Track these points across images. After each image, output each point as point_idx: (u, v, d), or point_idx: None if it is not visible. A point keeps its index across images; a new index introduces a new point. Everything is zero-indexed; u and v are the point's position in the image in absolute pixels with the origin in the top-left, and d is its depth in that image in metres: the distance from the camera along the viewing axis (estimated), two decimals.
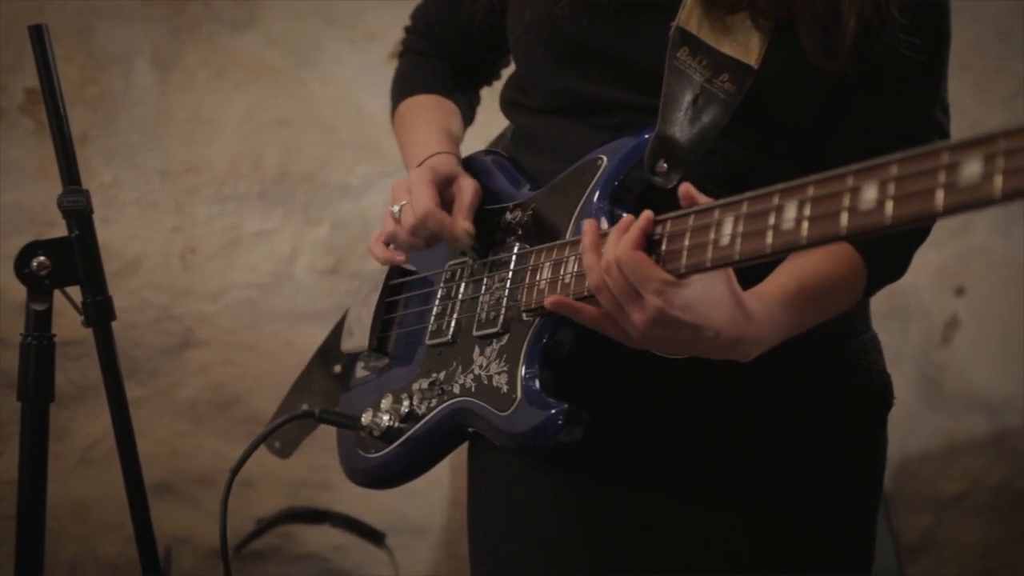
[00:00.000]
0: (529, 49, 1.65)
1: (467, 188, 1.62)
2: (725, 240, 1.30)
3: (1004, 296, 3.49)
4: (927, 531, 3.39)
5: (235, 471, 1.64)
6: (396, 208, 1.61)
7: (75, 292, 1.54)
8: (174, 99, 2.67)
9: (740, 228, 1.30)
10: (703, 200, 1.36)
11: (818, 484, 1.61)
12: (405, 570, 2.67)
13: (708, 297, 1.38)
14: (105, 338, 1.54)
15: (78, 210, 1.55)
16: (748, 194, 1.30)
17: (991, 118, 3.50)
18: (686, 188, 1.37)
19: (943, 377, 3.45)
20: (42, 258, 1.52)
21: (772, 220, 1.27)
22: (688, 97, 1.52)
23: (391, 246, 1.65)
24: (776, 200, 1.26)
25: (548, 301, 1.45)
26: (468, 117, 1.84)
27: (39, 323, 1.52)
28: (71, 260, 1.54)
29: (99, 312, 1.53)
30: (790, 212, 1.24)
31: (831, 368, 1.62)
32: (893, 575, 2.94)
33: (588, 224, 1.44)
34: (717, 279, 1.38)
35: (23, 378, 1.51)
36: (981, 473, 3.44)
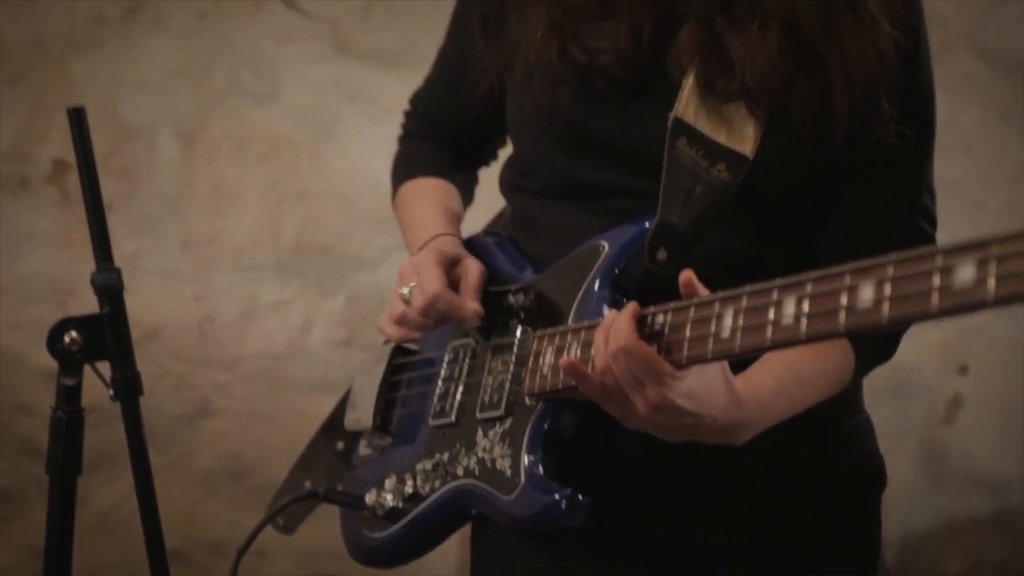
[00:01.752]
0: (529, 135, 1.67)
1: (472, 269, 1.62)
2: (726, 333, 1.32)
3: (1006, 376, 3.50)
4: None
5: (241, 551, 1.64)
6: (405, 290, 1.60)
7: (103, 366, 1.56)
8: (197, 170, 2.71)
9: (740, 322, 1.32)
10: (703, 291, 1.37)
11: (813, 565, 1.62)
12: None
13: (705, 385, 1.40)
14: (133, 413, 1.54)
15: (110, 287, 1.58)
16: (748, 288, 1.32)
17: (993, 199, 3.55)
18: (687, 277, 1.38)
19: (946, 455, 3.44)
20: (74, 334, 1.54)
21: (772, 315, 1.29)
22: (687, 186, 1.54)
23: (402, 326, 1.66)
24: (775, 295, 1.28)
25: (562, 361, 1.45)
26: (468, 198, 1.85)
27: (69, 398, 1.53)
28: (101, 336, 1.56)
29: (128, 388, 1.55)
30: (789, 308, 1.26)
31: (824, 450, 1.62)
32: None
33: (610, 316, 1.44)
34: (712, 366, 1.40)
35: (52, 451, 1.51)
36: (983, 552, 3.43)
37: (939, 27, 3.40)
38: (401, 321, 1.62)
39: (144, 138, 2.67)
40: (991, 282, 1.10)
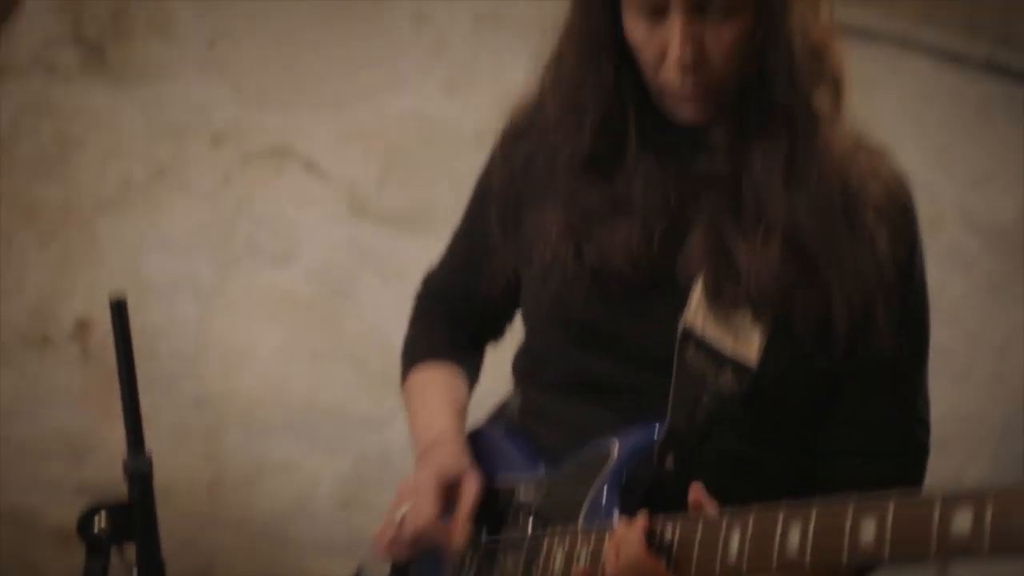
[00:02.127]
0: (545, 329, 1.67)
1: (468, 492, 1.61)
2: (732, 557, 1.33)
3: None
4: None
5: None
6: (400, 513, 1.60)
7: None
8: (213, 330, 2.75)
9: (747, 546, 1.33)
10: (712, 509, 1.38)
11: None
12: None
13: None
14: None
15: (142, 475, 1.62)
16: (754, 511, 1.33)
17: (981, 368, 3.60)
18: (696, 497, 1.40)
19: None
20: (103, 521, 1.58)
21: (777, 543, 1.30)
22: (695, 393, 1.54)
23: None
24: (781, 524, 1.29)
25: (576, 571, 1.47)
26: (475, 378, 1.84)
27: None
28: (130, 520, 1.60)
29: (154, 571, 1.59)
30: (794, 538, 1.28)
31: None
32: None
33: (621, 528, 1.44)
34: None
35: None
36: None
37: (930, 199, 3.44)
38: (392, 546, 1.62)
39: (165, 297, 2.72)
40: (986, 536, 1.14)
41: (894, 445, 1.64)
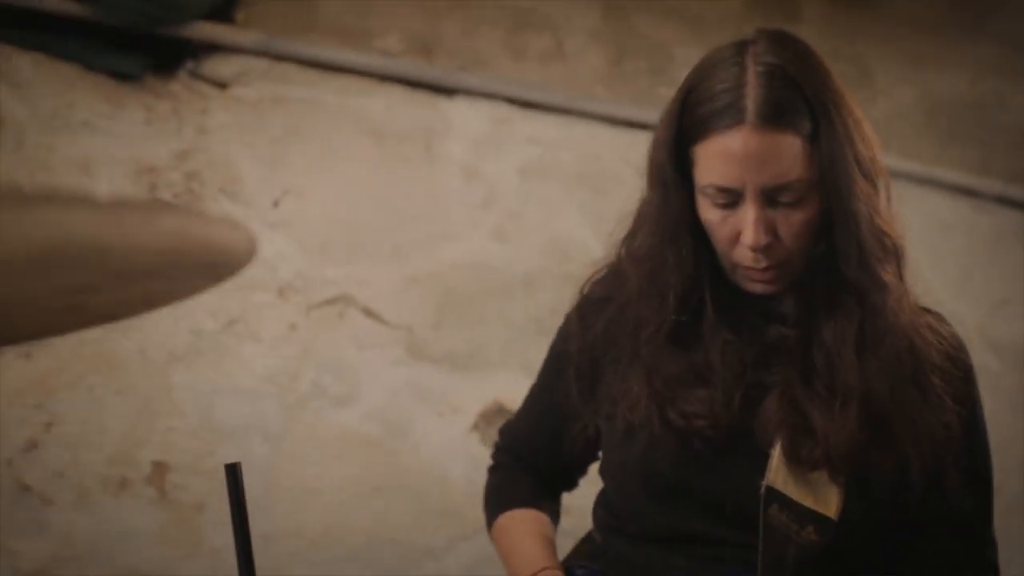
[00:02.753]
0: (629, 487, 1.70)
1: None
2: None
3: None
4: None
5: None
6: None
7: None
8: (281, 469, 2.81)
9: None
10: None
11: None
12: None
13: None
14: None
15: None
16: None
17: (1009, 484, 3.47)
18: None
19: None
20: None
21: None
22: (780, 548, 1.58)
23: None
24: None
25: None
26: (556, 523, 1.87)
27: None
28: None
29: None
30: None
31: None
32: None
33: None
34: None
35: None
36: None
37: (954, 321, 3.52)
38: None
39: (236, 440, 2.78)
40: None
41: None
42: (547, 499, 1.90)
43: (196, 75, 2.79)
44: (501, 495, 1.91)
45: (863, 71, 3.55)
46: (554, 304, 1.85)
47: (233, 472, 1.70)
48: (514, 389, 2.10)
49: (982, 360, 3.53)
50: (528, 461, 1.91)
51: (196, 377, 2.76)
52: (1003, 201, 3.67)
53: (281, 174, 2.85)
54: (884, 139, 3.49)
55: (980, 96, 3.73)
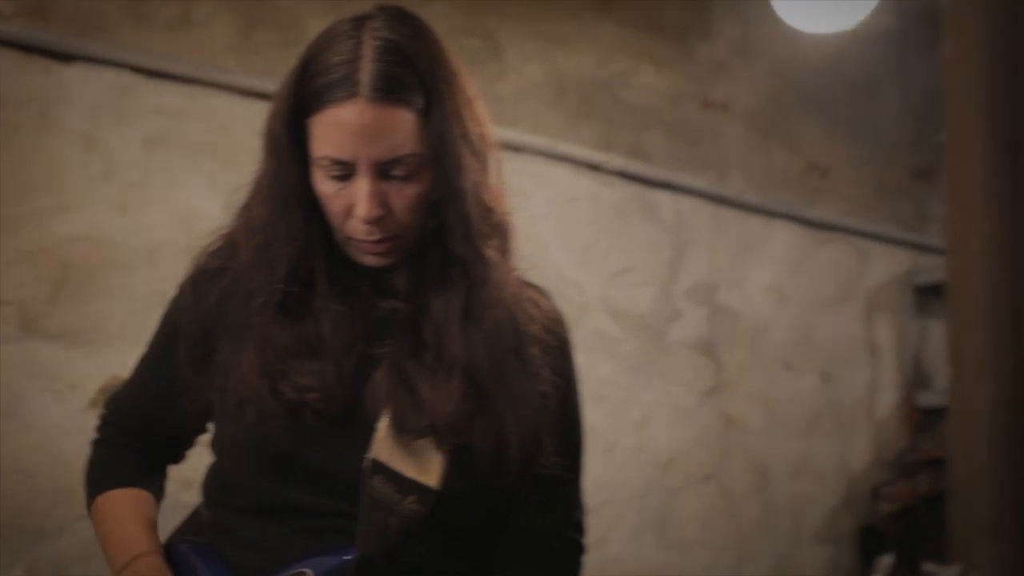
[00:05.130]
0: (239, 461, 1.65)
1: None
2: None
3: None
4: None
5: None
6: None
7: None
8: None
9: None
10: None
11: None
12: None
13: None
14: None
15: None
16: None
17: (624, 441, 3.81)
18: None
19: None
20: None
21: None
22: (382, 518, 1.55)
23: None
24: None
25: None
26: (160, 496, 1.80)
27: None
28: None
29: None
30: None
31: None
32: None
33: None
34: None
35: None
36: None
37: (577, 292, 3.72)
38: None
39: None
40: None
41: (555, 548, 1.70)
42: (151, 475, 1.80)
43: None
44: (103, 473, 1.78)
45: (494, 47, 3.58)
46: (178, 277, 1.73)
47: None
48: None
49: (603, 325, 3.67)
50: (134, 435, 1.79)
51: None
52: (625, 175, 3.75)
53: None
54: (513, 115, 3.51)
55: (605, 75, 3.77)
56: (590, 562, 3.48)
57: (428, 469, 1.58)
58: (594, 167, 3.68)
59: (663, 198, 3.82)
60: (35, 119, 2.82)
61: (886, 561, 3.68)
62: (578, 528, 1.73)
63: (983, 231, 1.33)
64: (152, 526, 1.72)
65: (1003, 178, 1.33)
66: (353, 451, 1.57)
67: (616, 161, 3.72)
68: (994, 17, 1.32)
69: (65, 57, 2.86)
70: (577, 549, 1.73)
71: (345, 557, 1.54)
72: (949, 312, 1.34)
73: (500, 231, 1.63)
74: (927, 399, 4.32)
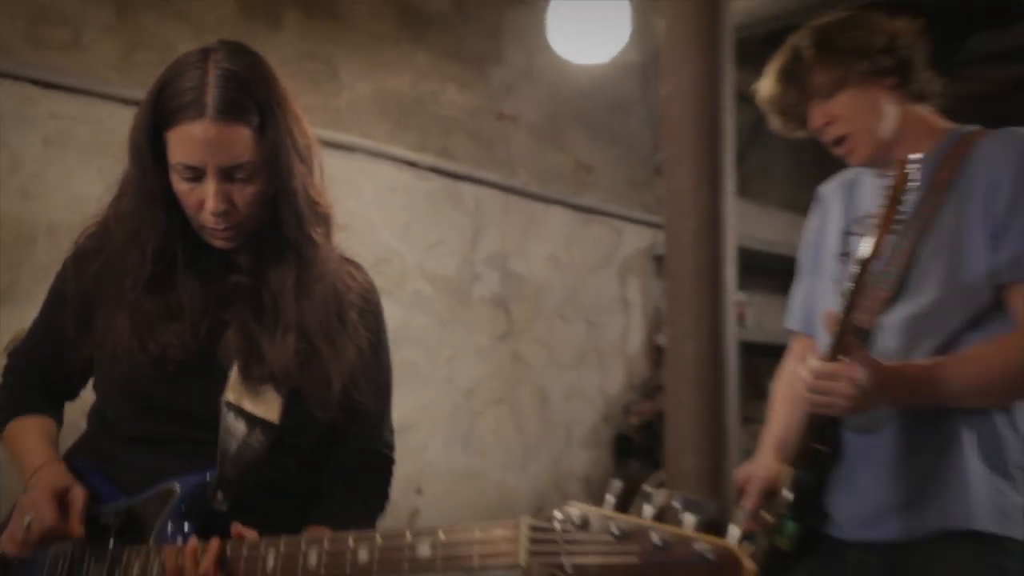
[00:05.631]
0: (116, 401, 1.64)
1: (78, 499, 1.59)
2: (269, 569, 1.39)
3: (449, 492, 3.70)
4: None
5: None
6: (27, 519, 1.56)
7: None
8: None
9: (279, 562, 1.37)
10: (249, 534, 1.45)
11: None
12: None
13: None
14: None
15: None
16: (283, 538, 1.38)
17: (437, 373, 3.75)
18: (235, 529, 1.46)
19: None
20: None
21: (300, 561, 1.35)
22: (235, 447, 1.57)
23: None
24: (303, 544, 1.35)
25: None
26: (59, 422, 1.79)
27: None
28: None
29: None
30: (311, 557, 1.33)
31: None
32: None
33: (185, 549, 1.45)
34: None
35: None
36: None
37: (399, 260, 3.67)
38: (22, 543, 1.57)
39: None
40: (439, 561, 1.25)
41: (371, 463, 1.76)
42: (49, 408, 1.79)
43: None
44: (9, 406, 1.78)
45: (332, 69, 3.50)
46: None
47: None
48: None
49: (419, 286, 3.74)
50: (33, 378, 1.79)
51: None
52: (435, 171, 3.76)
53: None
54: (347, 123, 3.59)
55: (420, 93, 3.74)
56: (411, 468, 3.61)
57: (270, 407, 1.59)
58: (411, 164, 3.68)
59: (465, 188, 3.84)
60: None
61: (616, 485, 3.78)
62: (389, 446, 1.77)
63: (689, 227, 1.48)
64: (52, 443, 1.71)
65: (704, 186, 1.49)
66: (211, 394, 1.58)
67: (428, 160, 3.73)
68: (696, 65, 1.49)
69: None
70: (389, 462, 1.77)
71: (207, 474, 1.55)
72: (665, 284, 1.41)
73: (324, 220, 1.63)
74: (664, 340, 4.37)
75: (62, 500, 1.59)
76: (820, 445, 1.96)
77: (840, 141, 2.05)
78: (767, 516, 1.99)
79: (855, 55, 1.99)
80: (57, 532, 1.57)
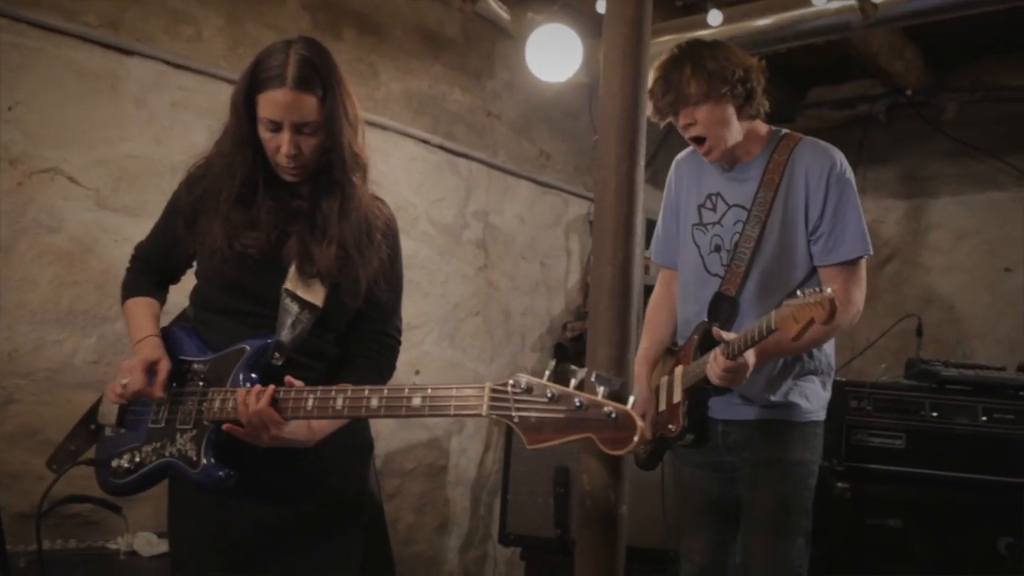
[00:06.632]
0: (210, 284, 1.62)
1: (163, 369, 1.56)
2: (308, 408, 1.41)
3: (438, 374, 3.56)
4: None
5: (41, 504, 1.55)
6: (125, 381, 1.54)
7: None
8: None
9: (316, 403, 1.38)
10: (296, 384, 1.42)
11: (335, 511, 1.61)
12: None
13: (294, 427, 1.47)
14: None
15: None
16: (349, 389, 1.36)
17: (436, 289, 3.64)
18: (287, 380, 1.43)
19: None
20: None
21: (334, 402, 1.36)
22: (290, 321, 1.55)
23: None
24: (365, 393, 1.33)
25: (224, 427, 1.46)
26: (164, 302, 1.75)
27: None
28: None
29: None
30: (374, 401, 1.33)
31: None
32: None
33: (251, 391, 1.42)
34: (300, 424, 1.48)
35: None
36: None
37: (412, 209, 3.54)
38: (119, 397, 1.56)
39: None
40: (426, 409, 1.25)
41: (383, 341, 1.70)
42: (158, 290, 1.74)
43: None
44: (132, 286, 1.74)
45: (374, 71, 3.42)
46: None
47: None
48: None
49: (426, 228, 3.70)
50: (149, 267, 1.74)
51: None
52: (442, 148, 3.64)
53: None
54: (382, 109, 3.53)
55: (434, 93, 3.62)
56: (413, 355, 3.68)
57: (316, 295, 1.56)
58: (425, 142, 3.57)
59: (461, 162, 3.72)
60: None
61: (552, 364, 3.30)
62: (398, 332, 1.72)
63: (611, 187, 1.46)
64: (155, 319, 1.68)
65: (624, 160, 1.46)
66: (275, 283, 1.56)
67: (437, 140, 3.62)
68: (623, 78, 1.47)
69: (126, 52, 2.66)
70: (396, 343, 1.72)
71: (268, 340, 1.55)
72: (593, 244, 1.37)
73: (362, 168, 1.59)
74: (591, 275, 4.34)
75: (152, 368, 1.56)
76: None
77: (699, 141, 2.03)
78: (672, 429, 1.97)
79: (720, 79, 1.95)
80: (144, 394, 1.55)
